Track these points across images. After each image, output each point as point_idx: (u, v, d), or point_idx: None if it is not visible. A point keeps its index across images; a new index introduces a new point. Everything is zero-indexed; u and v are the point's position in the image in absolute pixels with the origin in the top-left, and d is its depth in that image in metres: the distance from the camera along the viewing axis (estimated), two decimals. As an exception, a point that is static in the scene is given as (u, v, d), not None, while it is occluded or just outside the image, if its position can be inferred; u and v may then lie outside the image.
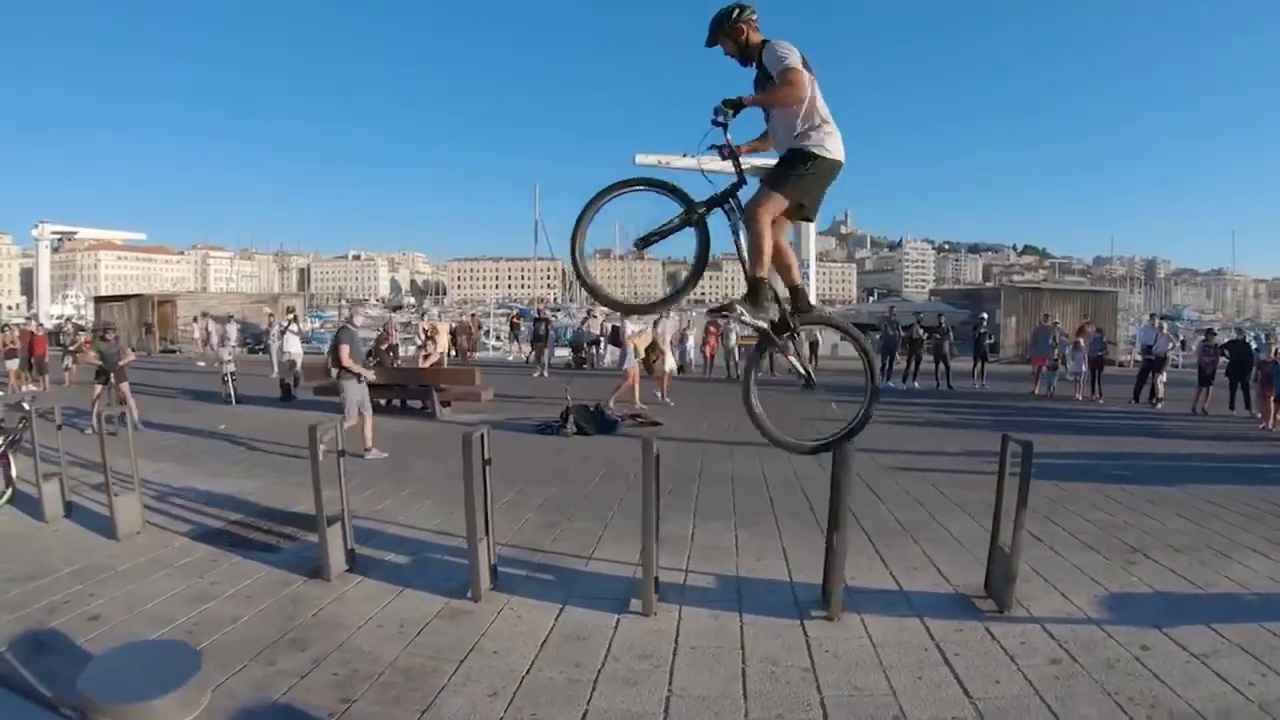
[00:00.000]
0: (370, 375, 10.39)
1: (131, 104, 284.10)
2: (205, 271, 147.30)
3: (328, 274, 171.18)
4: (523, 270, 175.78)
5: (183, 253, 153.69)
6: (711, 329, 22.12)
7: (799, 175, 3.60)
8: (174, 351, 32.38)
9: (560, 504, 7.68)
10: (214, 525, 6.90)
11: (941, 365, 18.92)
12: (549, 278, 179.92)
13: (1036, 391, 17.66)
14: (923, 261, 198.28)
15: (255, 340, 29.26)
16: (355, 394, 9.83)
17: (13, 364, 18.43)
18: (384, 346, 14.28)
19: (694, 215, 3.70)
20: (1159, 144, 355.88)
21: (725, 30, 3.73)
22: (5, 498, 7.46)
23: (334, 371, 10.01)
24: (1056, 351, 17.66)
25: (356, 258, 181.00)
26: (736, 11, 3.69)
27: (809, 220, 4.05)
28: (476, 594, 5.12)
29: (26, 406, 7.88)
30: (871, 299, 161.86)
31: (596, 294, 4.00)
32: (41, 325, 24.17)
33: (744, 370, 4.20)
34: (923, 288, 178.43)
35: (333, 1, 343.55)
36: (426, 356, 15.53)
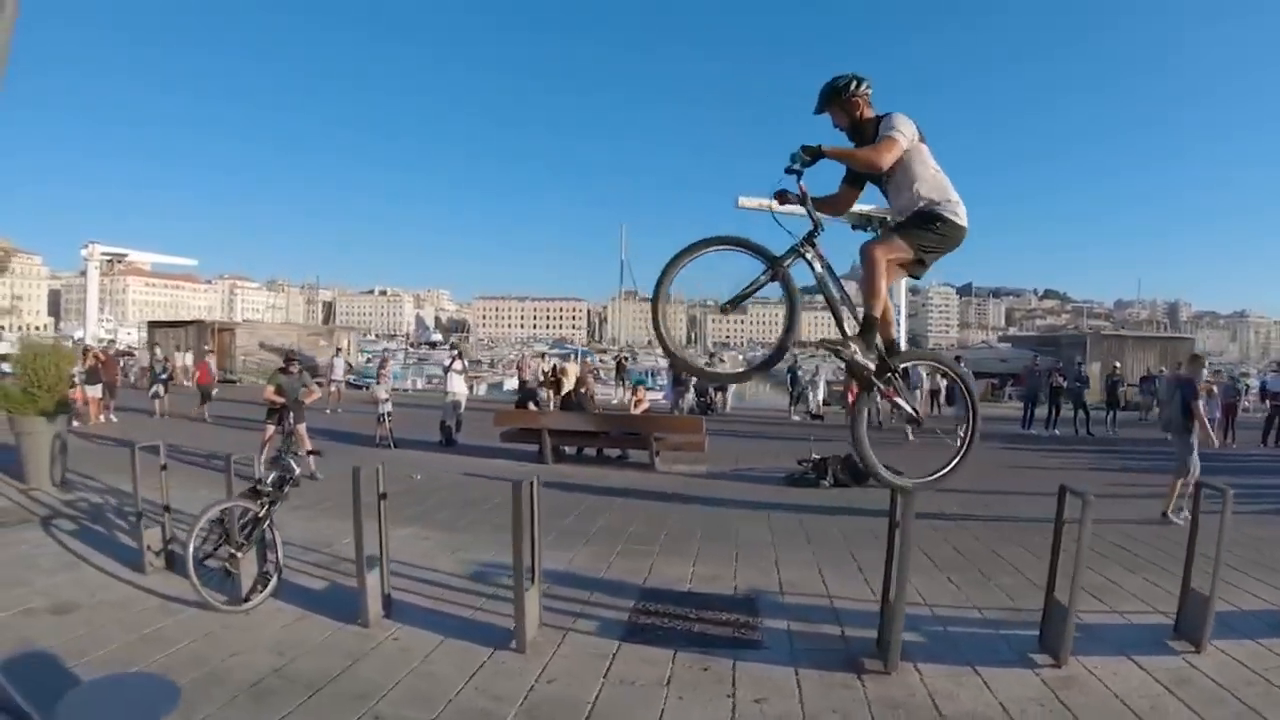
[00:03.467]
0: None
1: (158, 133, 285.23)
2: (232, 302, 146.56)
3: (353, 309, 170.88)
4: (548, 310, 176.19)
5: (209, 282, 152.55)
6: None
7: (927, 231, 3.59)
8: (234, 381, 30.48)
9: (951, 564, 6.77)
10: (610, 616, 5.26)
11: (1080, 413, 19.01)
12: (574, 318, 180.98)
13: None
14: (946, 306, 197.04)
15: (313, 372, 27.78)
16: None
17: (94, 390, 16.11)
18: (582, 389, 12.36)
19: (778, 270, 3.58)
20: (1174, 189, 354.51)
21: (839, 103, 3.65)
22: (269, 587, 5.29)
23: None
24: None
25: (383, 293, 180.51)
26: (855, 84, 3.62)
27: (916, 277, 4.03)
28: (1062, 660, 4.45)
29: (295, 467, 5.79)
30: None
31: (678, 362, 3.85)
32: (209, 351, 22.50)
33: (854, 410, 4.10)
34: (947, 332, 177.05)
35: (358, 40, 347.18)
36: (639, 402, 13.77)
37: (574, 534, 7.47)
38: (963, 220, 3.65)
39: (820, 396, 23.54)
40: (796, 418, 21.87)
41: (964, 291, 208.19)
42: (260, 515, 5.37)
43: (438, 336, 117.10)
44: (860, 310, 3.76)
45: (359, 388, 29.64)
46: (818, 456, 11.01)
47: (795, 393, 23.21)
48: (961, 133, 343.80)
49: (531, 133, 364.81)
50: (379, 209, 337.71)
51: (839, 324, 3.74)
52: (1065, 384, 19.55)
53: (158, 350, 21.65)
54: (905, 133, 3.52)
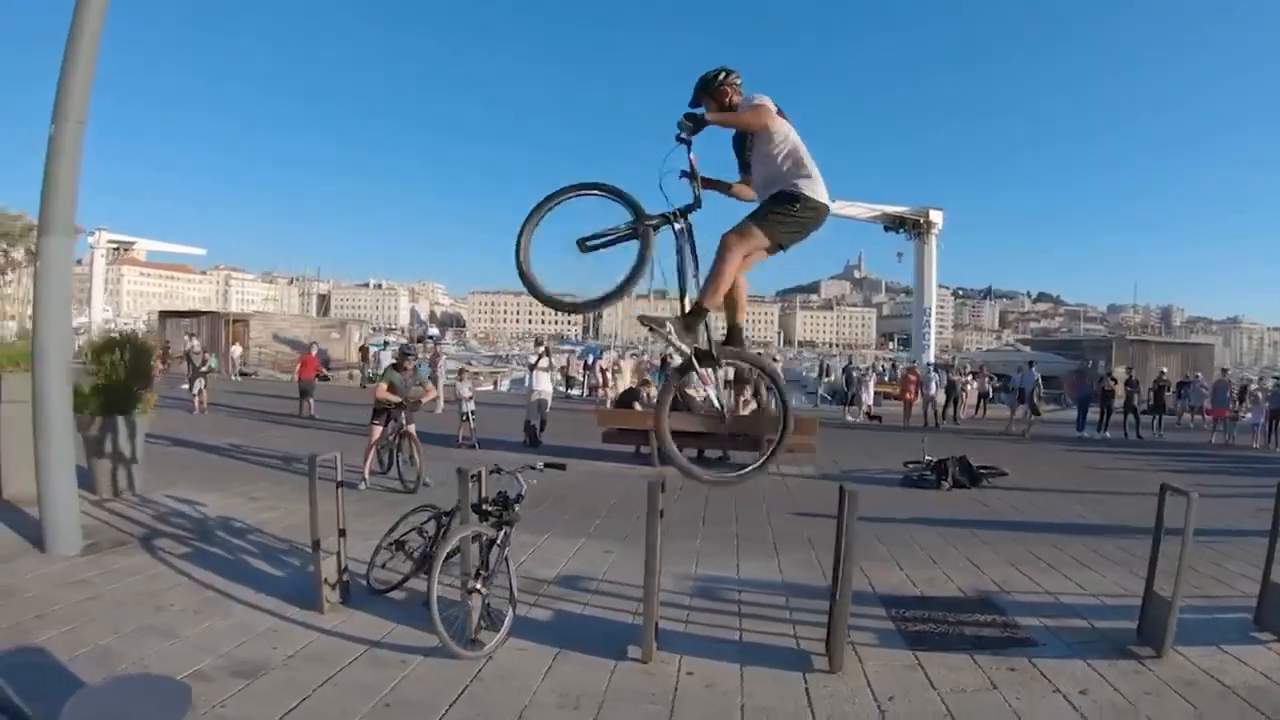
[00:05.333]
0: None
1: (155, 120, 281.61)
2: (228, 293, 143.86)
3: (348, 301, 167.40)
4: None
5: (204, 273, 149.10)
6: (910, 376, 22.05)
7: (785, 215, 3.55)
8: (249, 374, 29.30)
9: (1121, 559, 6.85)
10: (875, 625, 4.99)
11: (1130, 416, 19.67)
12: (570, 315, 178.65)
13: (1214, 440, 18.64)
14: (942, 308, 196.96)
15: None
16: None
17: None
18: (689, 390, 11.40)
19: (642, 225, 3.49)
20: (1168, 195, 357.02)
21: (710, 92, 3.74)
22: (506, 624, 4.41)
23: None
24: (1235, 404, 19.23)
25: (378, 286, 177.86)
26: (722, 75, 3.73)
27: (772, 253, 3.70)
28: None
29: (522, 481, 4.94)
30: (892, 345, 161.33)
31: (536, 292, 3.65)
32: (314, 344, 21.59)
33: (659, 394, 4.20)
34: (942, 333, 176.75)
35: (357, 22, 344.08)
36: (746, 402, 12.97)
37: (758, 541, 7.13)
38: (822, 196, 3.58)
39: (871, 396, 23.03)
40: (850, 418, 21.75)
41: (975, 294, 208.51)
42: (499, 541, 4.53)
43: (434, 330, 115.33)
44: (703, 296, 3.60)
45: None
46: (932, 458, 10.94)
47: (850, 393, 23.06)
48: (953, 124, 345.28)
49: (532, 120, 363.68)
50: (374, 201, 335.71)
51: (681, 299, 3.66)
52: (1113, 387, 20.01)
53: (195, 342, 20.35)
54: (769, 102, 3.57)
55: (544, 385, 13.04)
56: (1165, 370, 23.22)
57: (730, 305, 3.75)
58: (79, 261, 41.50)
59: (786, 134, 3.60)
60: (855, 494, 4.39)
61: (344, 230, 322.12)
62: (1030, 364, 22.18)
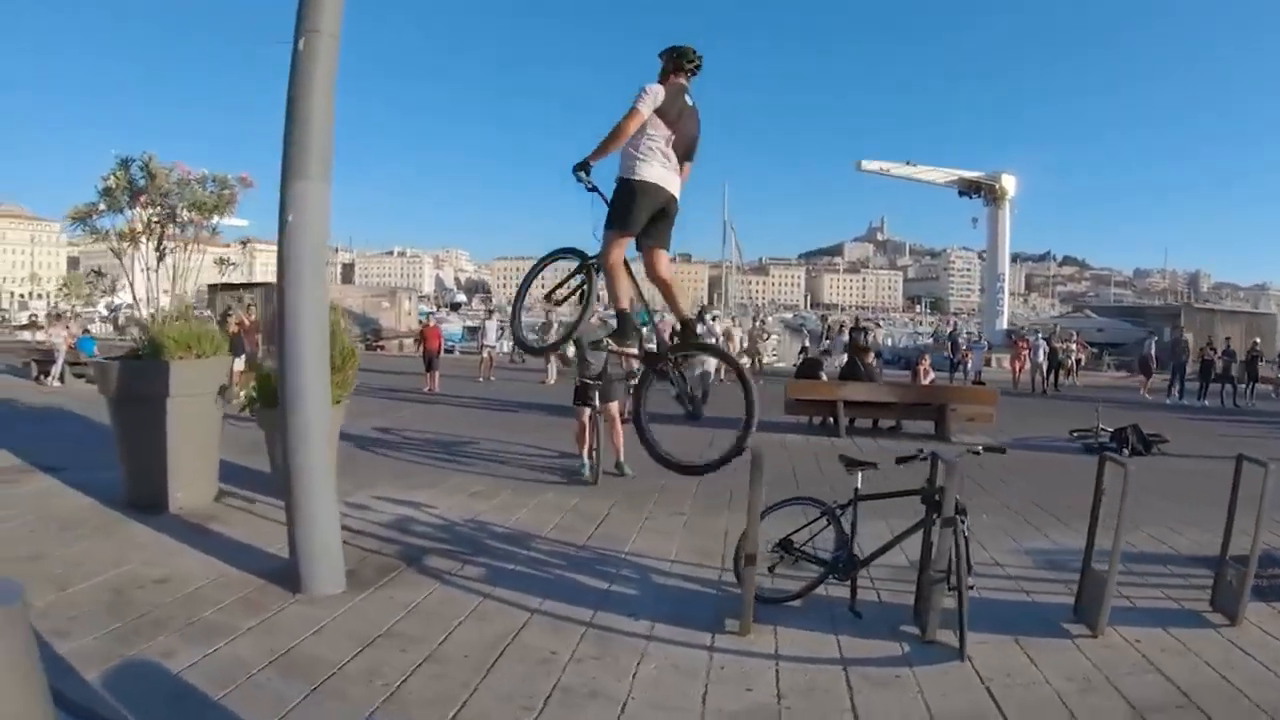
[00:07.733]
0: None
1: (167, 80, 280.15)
2: (251, 263, 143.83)
3: (373, 269, 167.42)
4: (569, 272, 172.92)
5: (229, 245, 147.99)
6: (1021, 344, 22.39)
7: (615, 203, 3.62)
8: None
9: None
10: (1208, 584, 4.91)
11: (1227, 385, 19.58)
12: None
13: None
14: (968, 270, 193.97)
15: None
16: None
17: (237, 362, 13.84)
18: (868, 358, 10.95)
19: (585, 267, 3.89)
20: (1199, 160, 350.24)
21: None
22: (965, 620, 3.78)
23: None
24: None
25: (402, 254, 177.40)
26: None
27: (666, 248, 3.82)
28: None
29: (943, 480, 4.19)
30: (919, 307, 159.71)
31: (529, 350, 5.33)
32: (432, 315, 21.17)
33: (634, 395, 4.35)
34: (969, 296, 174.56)
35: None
36: (925, 372, 13.09)
37: (1040, 511, 7.02)
38: (643, 174, 3.53)
39: (980, 365, 22.50)
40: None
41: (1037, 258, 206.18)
42: (965, 533, 4.06)
43: (461, 297, 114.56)
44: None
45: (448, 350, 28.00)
46: (1107, 427, 11.04)
47: (955, 359, 22.94)
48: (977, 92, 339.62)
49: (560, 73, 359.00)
50: (395, 166, 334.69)
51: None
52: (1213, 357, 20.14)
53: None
54: (643, 102, 3.51)
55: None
56: (1259, 341, 23.09)
57: (669, 301, 3.83)
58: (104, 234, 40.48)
59: (647, 122, 3.55)
60: (1270, 468, 4.41)
61: (367, 196, 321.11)
62: (1150, 333, 23.47)
